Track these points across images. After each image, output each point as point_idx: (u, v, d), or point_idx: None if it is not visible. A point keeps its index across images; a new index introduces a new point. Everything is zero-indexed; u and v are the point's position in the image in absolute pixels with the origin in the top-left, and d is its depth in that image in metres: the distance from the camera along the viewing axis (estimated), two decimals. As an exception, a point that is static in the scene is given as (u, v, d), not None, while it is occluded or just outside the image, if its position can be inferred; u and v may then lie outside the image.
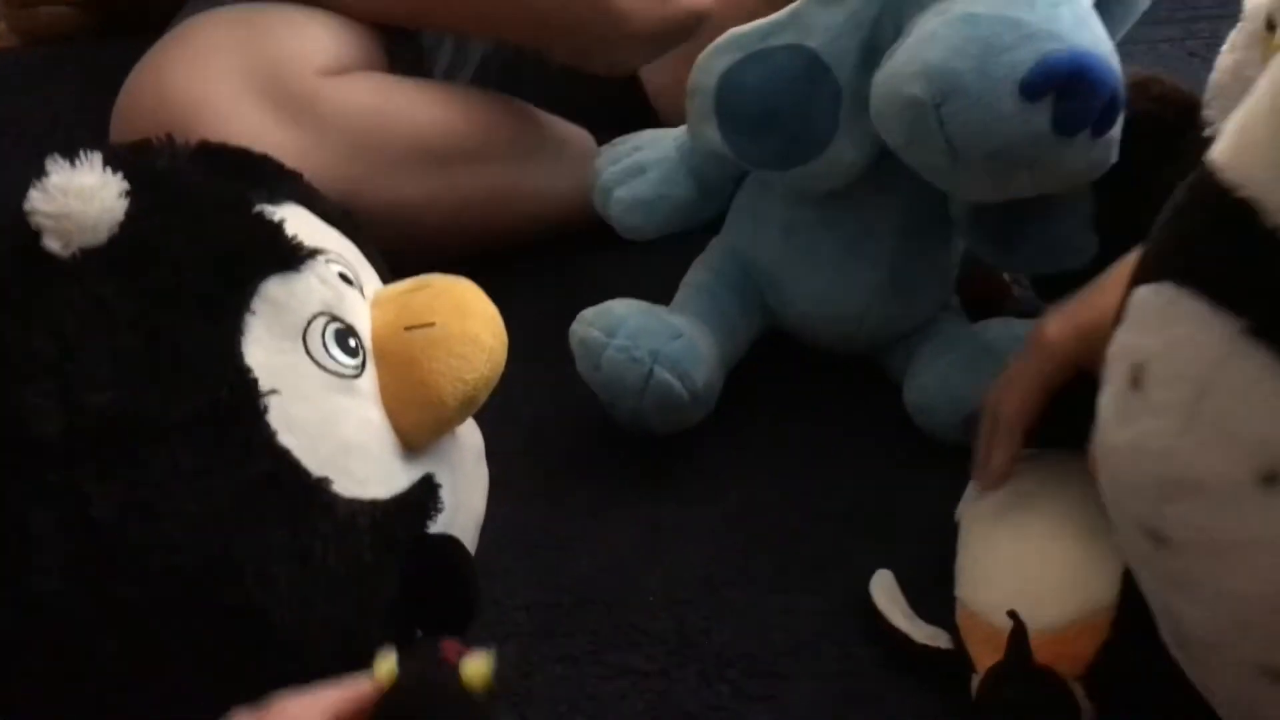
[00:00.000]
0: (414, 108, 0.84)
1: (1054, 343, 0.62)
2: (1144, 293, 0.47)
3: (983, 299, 0.88)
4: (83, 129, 1.07)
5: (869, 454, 0.79)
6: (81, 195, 0.51)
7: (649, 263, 0.89)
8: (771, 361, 0.85)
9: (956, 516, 0.68)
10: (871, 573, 0.68)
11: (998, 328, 0.81)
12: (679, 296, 0.83)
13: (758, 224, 0.82)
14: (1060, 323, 0.62)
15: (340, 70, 0.82)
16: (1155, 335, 0.46)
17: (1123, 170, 0.71)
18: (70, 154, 0.53)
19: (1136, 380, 0.47)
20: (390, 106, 0.83)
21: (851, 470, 0.78)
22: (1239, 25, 0.72)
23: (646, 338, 0.76)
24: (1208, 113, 0.73)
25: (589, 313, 0.78)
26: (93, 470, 0.47)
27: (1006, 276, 0.90)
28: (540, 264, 0.94)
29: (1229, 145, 0.44)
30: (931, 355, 0.80)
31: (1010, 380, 0.64)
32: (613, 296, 0.80)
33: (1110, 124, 0.67)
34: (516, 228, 0.91)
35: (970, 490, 0.68)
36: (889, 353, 0.84)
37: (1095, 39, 0.68)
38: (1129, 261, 0.54)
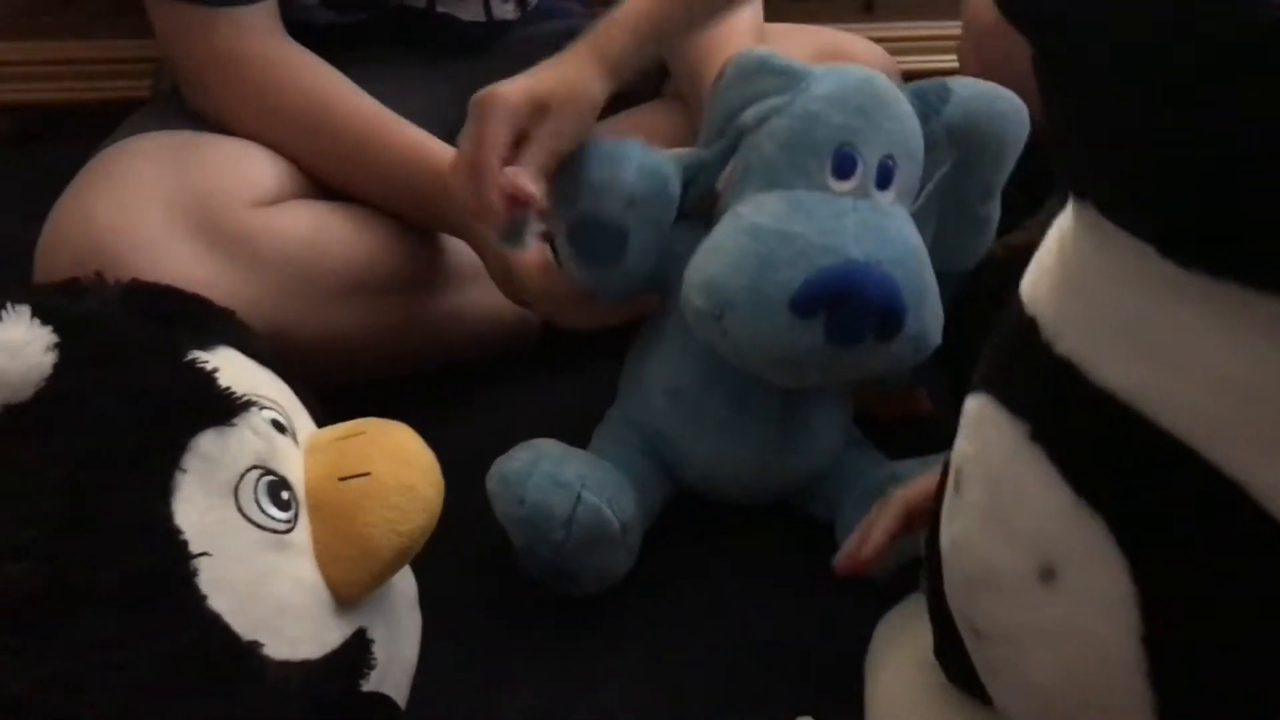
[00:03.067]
0: (348, 238, 0.84)
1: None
2: (969, 403, 0.52)
3: (901, 417, 0.89)
4: (12, 242, 1.06)
5: (792, 586, 0.79)
6: (8, 351, 0.49)
7: (573, 395, 0.89)
8: (688, 509, 0.84)
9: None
10: (797, 708, 0.68)
11: (912, 464, 0.80)
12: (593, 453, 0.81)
13: (644, 391, 0.81)
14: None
15: (272, 200, 0.81)
16: (970, 440, 0.51)
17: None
18: (-3, 304, 0.52)
19: (957, 484, 0.51)
20: (324, 238, 0.82)
21: (778, 606, 0.78)
22: None
23: (572, 465, 0.75)
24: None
25: (509, 453, 0.77)
26: (11, 644, 0.45)
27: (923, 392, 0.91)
28: (469, 389, 0.94)
29: (1030, 271, 0.49)
30: (855, 503, 0.78)
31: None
32: (538, 429, 0.79)
33: (895, 329, 0.69)
34: (450, 353, 0.91)
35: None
36: (805, 497, 0.83)
37: (881, 243, 0.70)
38: None
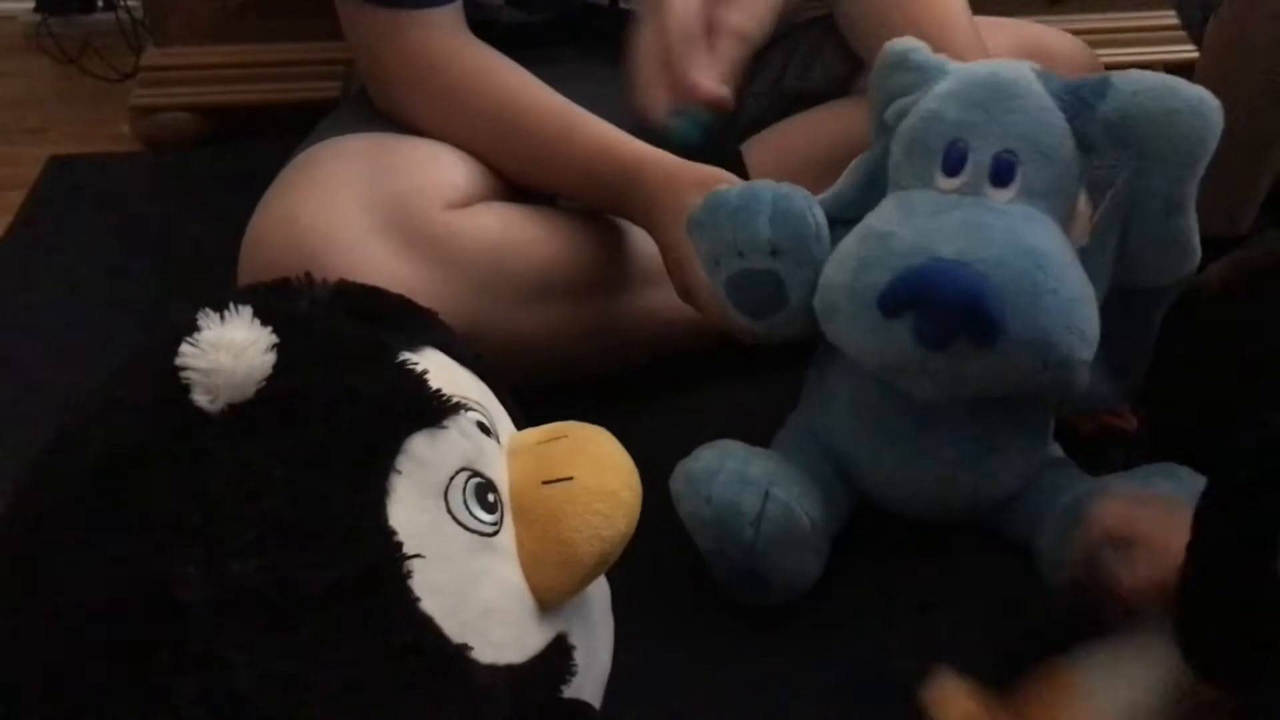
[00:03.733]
0: (538, 240, 0.84)
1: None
2: None
3: (1102, 433, 0.85)
4: (207, 238, 1.10)
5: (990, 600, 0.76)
6: (233, 351, 0.50)
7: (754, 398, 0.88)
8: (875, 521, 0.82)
9: None
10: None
11: (1119, 480, 0.76)
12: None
13: (826, 403, 0.79)
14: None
15: (465, 201, 0.82)
16: None
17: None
18: (219, 304, 0.53)
19: None
20: (515, 240, 0.82)
21: (980, 615, 0.75)
22: None
23: (761, 463, 0.74)
24: None
25: (694, 454, 0.75)
26: (236, 640, 0.46)
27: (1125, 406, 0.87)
28: (648, 392, 0.93)
29: None
30: (1055, 525, 0.75)
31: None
32: (719, 432, 0.78)
33: (989, 333, 0.65)
34: (633, 355, 0.90)
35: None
36: (1000, 518, 0.79)
37: (980, 242, 0.66)
38: None
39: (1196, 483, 0.73)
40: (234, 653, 0.46)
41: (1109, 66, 1.00)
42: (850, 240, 0.71)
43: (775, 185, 0.73)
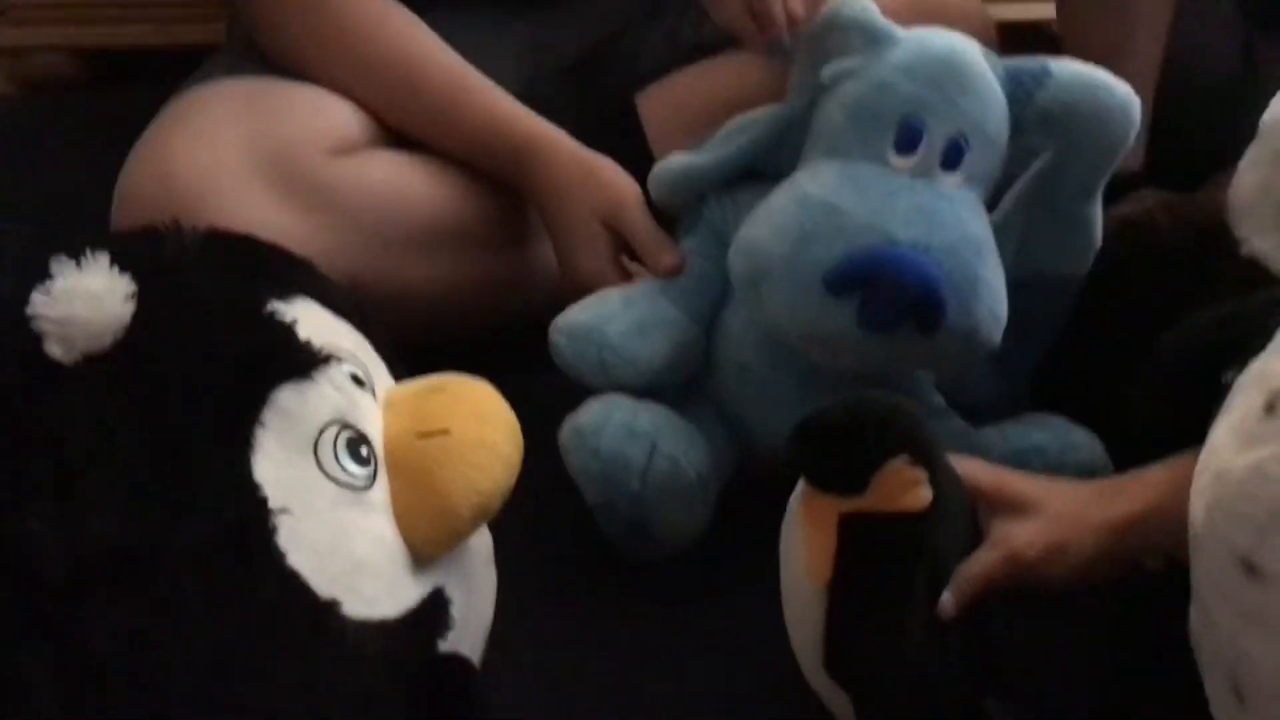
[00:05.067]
0: (428, 189, 0.82)
1: (1019, 555, 0.60)
2: None
3: None
4: (83, 187, 1.05)
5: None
6: (88, 300, 0.49)
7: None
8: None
9: None
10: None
11: (994, 433, 0.77)
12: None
13: (714, 364, 0.79)
14: (1032, 534, 0.61)
15: (350, 148, 0.80)
16: None
17: (1150, 297, 0.69)
18: (75, 250, 0.51)
19: (1272, 406, 0.46)
20: (403, 188, 0.81)
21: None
22: (1257, 141, 0.70)
23: (649, 415, 0.74)
24: (1239, 232, 0.72)
25: (581, 407, 0.75)
26: (94, 602, 0.45)
27: None
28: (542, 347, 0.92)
29: None
30: None
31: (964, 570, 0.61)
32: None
33: (934, 322, 0.65)
34: (526, 310, 0.89)
35: None
36: None
37: (933, 228, 0.66)
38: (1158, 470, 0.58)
39: (1070, 433, 0.75)
40: (90, 615, 0.45)
41: (1001, 24, 1.01)
42: (785, 203, 0.69)
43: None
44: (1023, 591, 0.61)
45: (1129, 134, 0.71)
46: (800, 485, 0.61)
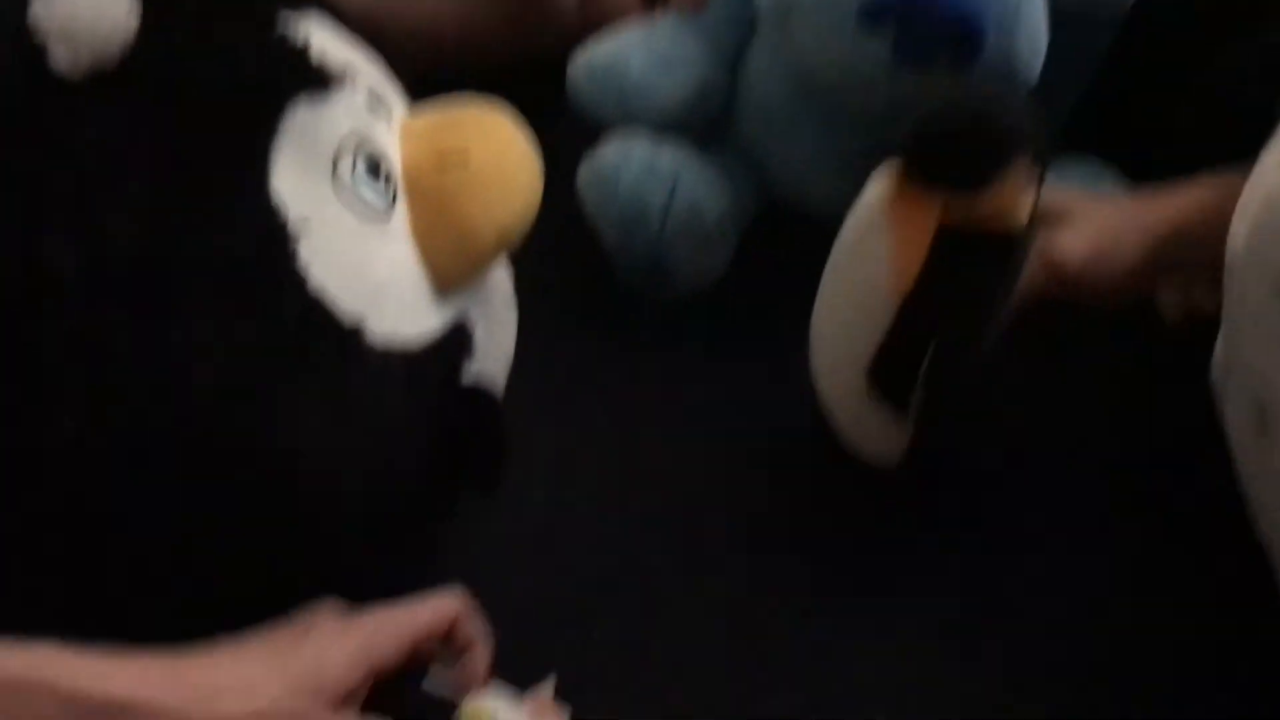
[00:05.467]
0: None
1: (1064, 265, 0.60)
2: None
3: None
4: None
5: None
6: (89, 6, 0.46)
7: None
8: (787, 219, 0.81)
9: None
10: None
11: None
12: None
13: (738, 108, 0.76)
14: (1075, 243, 0.60)
15: None
16: None
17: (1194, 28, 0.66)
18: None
19: None
20: None
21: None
22: None
23: (668, 152, 0.72)
24: None
25: (600, 146, 0.73)
26: (117, 316, 0.44)
27: None
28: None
29: None
30: None
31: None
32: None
33: (971, 54, 0.62)
34: (544, 46, 0.86)
35: None
36: None
37: None
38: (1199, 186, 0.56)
39: (1100, 178, 0.73)
40: (113, 330, 0.44)
41: None
42: None
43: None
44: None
45: None
46: (886, 190, 0.58)
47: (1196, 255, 0.58)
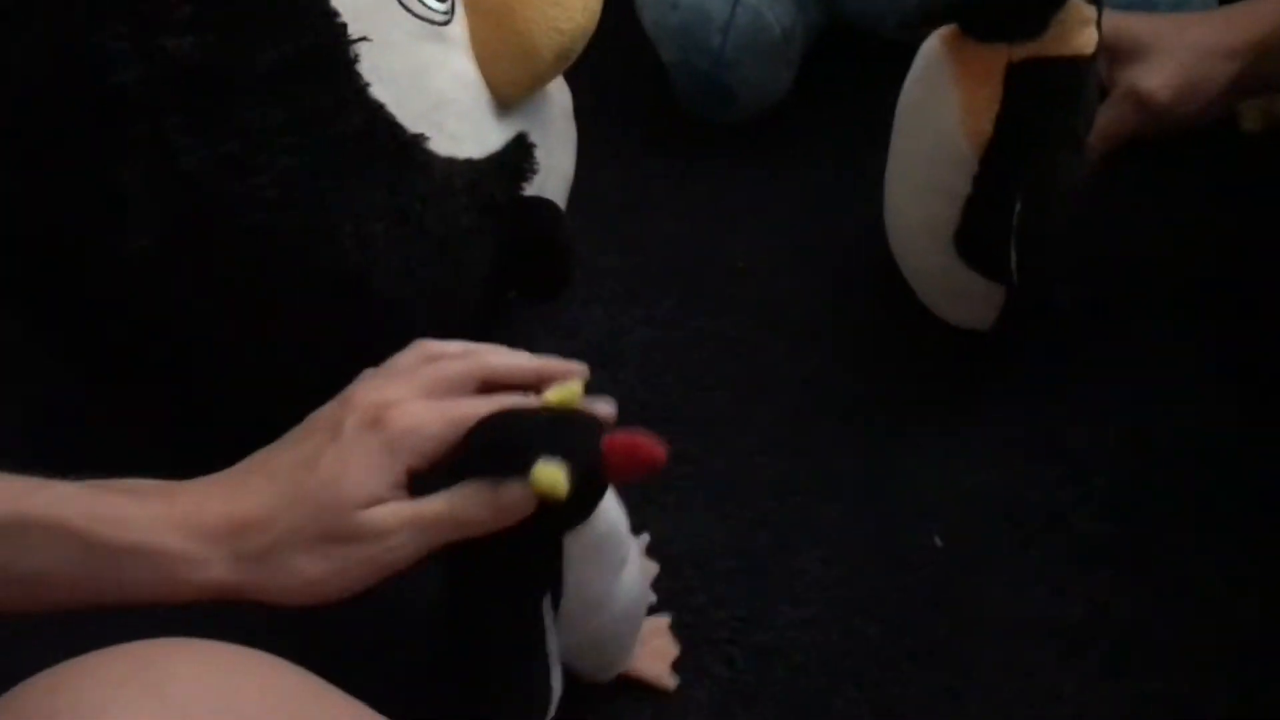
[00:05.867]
0: None
1: (1153, 99, 0.58)
2: None
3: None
4: None
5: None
6: None
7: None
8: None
9: None
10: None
11: None
12: None
13: None
14: (1164, 76, 0.58)
15: None
16: None
17: None
18: None
19: None
20: None
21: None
22: None
23: None
24: None
25: None
26: (178, 122, 0.44)
27: None
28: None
29: None
30: None
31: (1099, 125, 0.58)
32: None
33: None
34: None
35: None
36: None
37: None
38: None
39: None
40: (177, 135, 0.44)
41: None
42: None
43: None
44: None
45: None
46: (947, 43, 0.56)
47: None
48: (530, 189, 0.55)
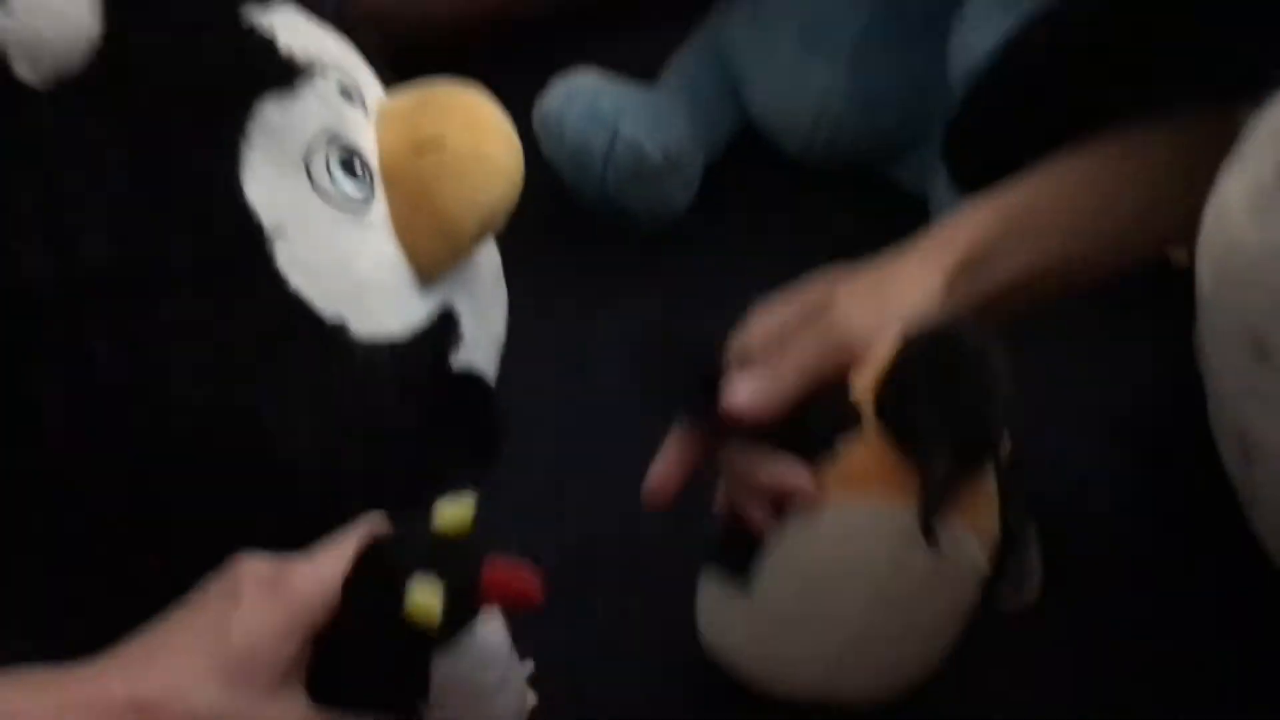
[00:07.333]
0: None
1: (852, 332, 0.53)
2: None
3: None
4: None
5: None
6: (51, 14, 0.45)
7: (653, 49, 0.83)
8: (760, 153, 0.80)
9: None
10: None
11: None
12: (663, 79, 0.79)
13: (731, 8, 0.78)
14: (863, 309, 0.54)
15: None
16: None
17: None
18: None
19: None
20: None
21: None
22: None
23: (611, 97, 0.73)
24: None
25: (549, 92, 0.75)
26: (95, 326, 0.44)
27: None
28: (547, 48, 0.88)
29: None
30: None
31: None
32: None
33: None
34: (531, 5, 0.85)
35: None
36: (889, 162, 0.77)
37: None
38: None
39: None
40: (93, 338, 0.44)
41: None
42: None
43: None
44: None
45: None
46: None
47: (1021, 263, 0.55)
48: (459, 356, 0.55)
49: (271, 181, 0.48)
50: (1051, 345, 0.68)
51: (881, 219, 0.75)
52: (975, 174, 0.61)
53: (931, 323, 0.51)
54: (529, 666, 0.53)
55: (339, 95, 0.52)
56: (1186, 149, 0.56)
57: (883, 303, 0.54)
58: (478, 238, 0.54)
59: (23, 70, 0.46)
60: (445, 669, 0.44)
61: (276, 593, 0.42)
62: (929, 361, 0.49)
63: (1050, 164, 0.58)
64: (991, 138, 0.61)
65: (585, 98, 0.72)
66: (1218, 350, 0.46)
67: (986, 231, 0.56)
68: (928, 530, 0.48)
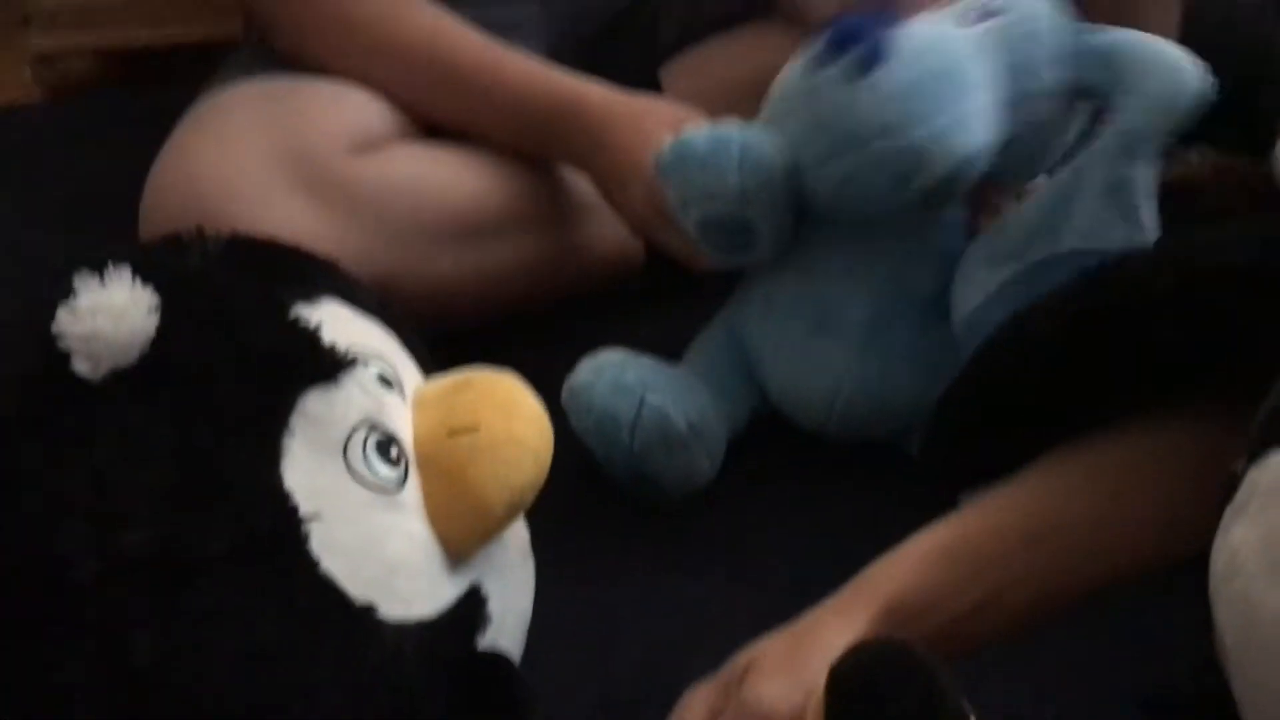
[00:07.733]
0: (453, 179, 0.82)
1: (763, 708, 0.51)
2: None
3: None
4: (115, 186, 1.06)
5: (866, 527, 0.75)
6: (112, 315, 0.49)
7: (677, 327, 0.87)
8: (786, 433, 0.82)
9: None
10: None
11: None
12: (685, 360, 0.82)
13: (746, 293, 0.81)
14: (775, 682, 0.52)
15: (373, 144, 0.80)
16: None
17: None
18: (98, 263, 0.51)
19: None
20: (428, 182, 0.81)
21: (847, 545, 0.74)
22: None
23: (636, 370, 0.76)
24: None
25: (576, 367, 0.77)
26: (130, 614, 0.45)
27: None
28: (570, 325, 0.92)
29: None
30: None
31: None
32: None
33: (871, 63, 0.68)
34: (555, 292, 0.89)
35: None
36: (902, 438, 0.79)
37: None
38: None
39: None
40: (130, 627, 0.45)
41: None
42: None
43: (743, 130, 0.73)
44: None
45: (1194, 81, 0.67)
46: None
47: (974, 599, 0.54)
48: (486, 638, 0.55)
49: (310, 468, 0.50)
50: (1083, 618, 0.67)
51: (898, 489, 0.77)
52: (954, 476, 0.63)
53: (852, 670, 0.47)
54: None
55: (379, 383, 0.55)
56: (1150, 458, 0.57)
57: (799, 668, 0.52)
58: (508, 518, 0.56)
59: (82, 367, 0.49)
60: None
61: None
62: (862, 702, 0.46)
63: (1006, 485, 0.58)
64: (964, 446, 0.63)
65: (612, 371, 0.75)
66: (1254, 704, 0.43)
67: (920, 575, 0.55)
68: None
